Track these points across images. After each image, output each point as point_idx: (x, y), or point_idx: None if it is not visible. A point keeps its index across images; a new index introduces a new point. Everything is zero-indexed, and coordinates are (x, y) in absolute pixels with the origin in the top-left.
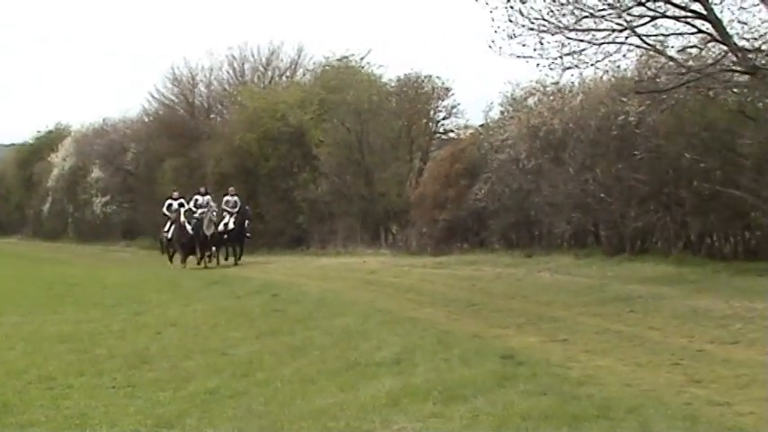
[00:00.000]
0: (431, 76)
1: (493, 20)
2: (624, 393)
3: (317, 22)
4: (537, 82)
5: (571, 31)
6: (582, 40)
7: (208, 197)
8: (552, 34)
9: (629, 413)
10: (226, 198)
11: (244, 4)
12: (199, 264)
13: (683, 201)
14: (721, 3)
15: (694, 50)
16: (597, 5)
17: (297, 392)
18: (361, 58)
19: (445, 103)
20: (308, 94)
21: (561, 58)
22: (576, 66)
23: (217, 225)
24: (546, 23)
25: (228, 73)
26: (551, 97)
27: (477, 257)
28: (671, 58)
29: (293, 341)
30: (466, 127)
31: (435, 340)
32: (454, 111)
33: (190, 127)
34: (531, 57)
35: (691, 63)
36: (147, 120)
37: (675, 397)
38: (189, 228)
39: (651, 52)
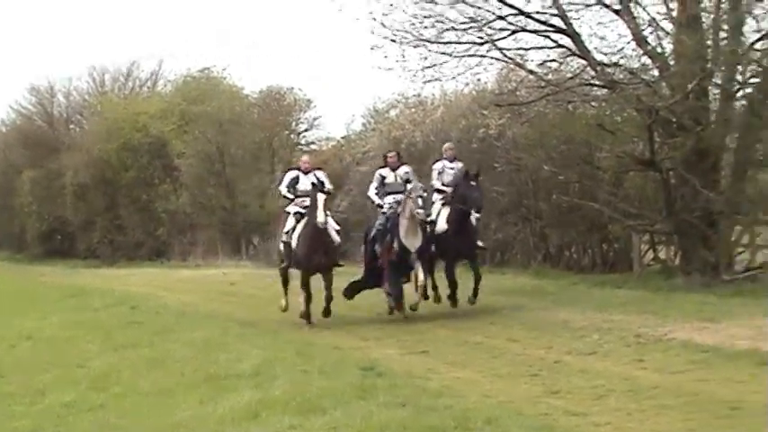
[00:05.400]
0: (293, 89)
1: (355, 31)
2: (482, 405)
3: (178, 37)
4: (399, 94)
5: (433, 43)
6: (443, 53)
7: (407, 170)
8: (414, 47)
9: (487, 424)
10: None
11: (103, 19)
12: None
13: (542, 213)
14: (580, 18)
15: (554, 64)
16: (459, 19)
17: (154, 405)
18: (223, 70)
19: (307, 114)
20: (170, 104)
21: (423, 70)
22: (438, 78)
23: (426, 228)
24: (408, 36)
25: (88, 83)
26: (413, 109)
27: (339, 269)
28: (531, 72)
29: (152, 354)
30: (327, 139)
31: (295, 352)
32: (316, 123)
33: (48, 137)
34: (392, 69)
35: (550, 77)
36: (3, 130)
37: (533, 408)
38: (334, 228)
39: (511, 66)
